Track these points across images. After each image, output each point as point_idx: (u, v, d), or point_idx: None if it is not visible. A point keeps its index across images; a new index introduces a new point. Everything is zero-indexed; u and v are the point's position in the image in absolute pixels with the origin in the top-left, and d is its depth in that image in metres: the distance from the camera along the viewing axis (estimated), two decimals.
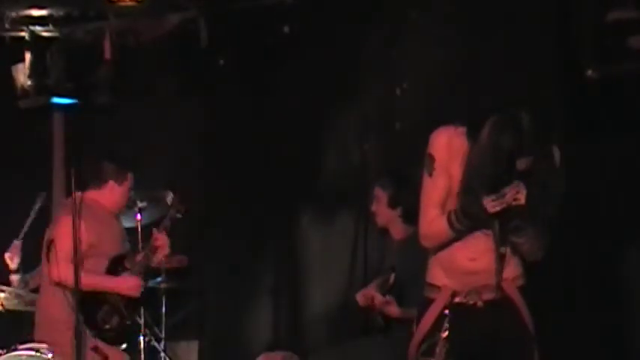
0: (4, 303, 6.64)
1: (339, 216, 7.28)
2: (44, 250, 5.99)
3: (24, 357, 6.44)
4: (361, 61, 7.05)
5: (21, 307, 6.74)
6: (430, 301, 4.29)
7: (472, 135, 4.12)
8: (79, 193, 5.84)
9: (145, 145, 7.83)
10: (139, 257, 6.09)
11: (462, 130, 4.17)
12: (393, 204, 5.94)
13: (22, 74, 7.81)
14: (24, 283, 6.89)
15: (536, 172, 4.05)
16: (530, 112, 4.04)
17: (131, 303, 6.01)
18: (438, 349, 4.21)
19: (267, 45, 7.42)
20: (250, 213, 7.51)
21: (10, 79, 7.86)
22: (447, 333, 4.22)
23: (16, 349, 6.43)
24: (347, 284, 7.11)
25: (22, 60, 7.85)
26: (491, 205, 4.01)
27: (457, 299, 4.24)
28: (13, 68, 7.85)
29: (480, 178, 4.05)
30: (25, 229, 6.84)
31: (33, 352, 6.45)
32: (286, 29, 7.29)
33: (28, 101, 7.81)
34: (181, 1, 7.62)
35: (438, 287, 4.28)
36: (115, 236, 6.05)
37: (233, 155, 7.64)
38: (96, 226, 5.86)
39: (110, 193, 6.07)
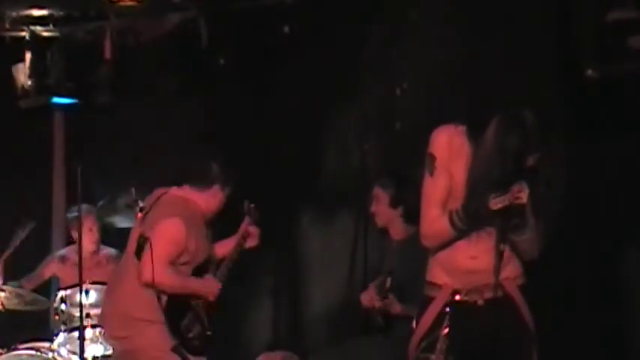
0: (4, 303, 6.64)
1: (339, 216, 7.28)
2: (133, 245, 5.63)
3: (24, 356, 6.46)
4: (361, 61, 7.05)
5: (21, 307, 6.74)
6: (430, 300, 4.27)
7: (473, 134, 4.11)
8: (174, 189, 5.74)
9: (145, 145, 7.83)
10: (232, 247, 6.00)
11: (463, 128, 4.16)
12: (394, 204, 5.92)
13: (22, 74, 7.80)
14: (20, 287, 6.89)
15: (540, 169, 4.04)
16: (531, 112, 4.04)
17: (211, 313, 5.80)
18: (438, 346, 4.20)
19: (267, 45, 7.42)
20: None
21: (11, 79, 7.85)
22: (447, 330, 4.22)
23: (16, 349, 6.45)
24: (347, 284, 7.11)
25: (23, 60, 7.85)
26: (493, 202, 4.00)
27: (458, 297, 4.23)
28: (14, 68, 7.85)
29: (487, 180, 4.03)
30: (7, 253, 6.78)
31: (33, 352, 6.47)
32: (286, 29, 7.29)
33: (29, 101, 7.81)
34: (181, 1, 7.61)
35: (439, 285, 4.26)
36: (206, 244, 5.78)
37: (233, 155, 7.63)
38: (195, 234, 5.63)
39: (212, 198, 5.78)
